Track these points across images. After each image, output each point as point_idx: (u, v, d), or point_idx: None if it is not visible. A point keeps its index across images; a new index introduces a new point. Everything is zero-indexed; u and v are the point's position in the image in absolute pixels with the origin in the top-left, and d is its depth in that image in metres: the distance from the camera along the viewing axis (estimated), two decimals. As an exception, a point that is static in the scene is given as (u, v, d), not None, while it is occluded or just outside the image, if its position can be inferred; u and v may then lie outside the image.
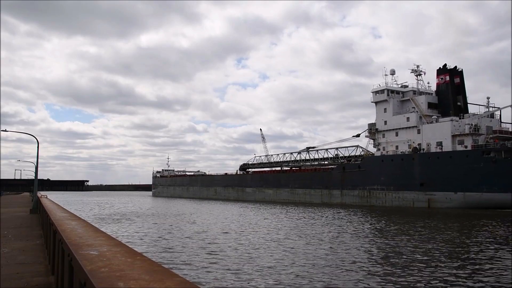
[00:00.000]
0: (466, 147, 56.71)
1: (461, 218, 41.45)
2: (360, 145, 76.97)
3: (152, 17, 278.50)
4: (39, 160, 35.97)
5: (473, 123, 58.09)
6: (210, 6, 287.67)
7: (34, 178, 38.42)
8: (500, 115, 63.21)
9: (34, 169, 45.79)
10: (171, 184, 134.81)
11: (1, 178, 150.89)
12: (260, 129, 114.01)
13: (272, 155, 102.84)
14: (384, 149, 68.91)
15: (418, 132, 63.69)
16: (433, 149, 60.26)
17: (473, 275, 15.89)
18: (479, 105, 64.56)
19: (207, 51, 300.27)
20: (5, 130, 33.18)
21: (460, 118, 60.16)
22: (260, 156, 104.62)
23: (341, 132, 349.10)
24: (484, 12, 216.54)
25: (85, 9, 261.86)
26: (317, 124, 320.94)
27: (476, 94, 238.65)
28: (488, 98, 63.72)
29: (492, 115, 62.67)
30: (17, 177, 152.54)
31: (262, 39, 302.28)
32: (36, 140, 32.87)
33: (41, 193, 52.52)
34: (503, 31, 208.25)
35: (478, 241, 25.08)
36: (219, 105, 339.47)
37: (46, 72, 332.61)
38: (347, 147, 78.40)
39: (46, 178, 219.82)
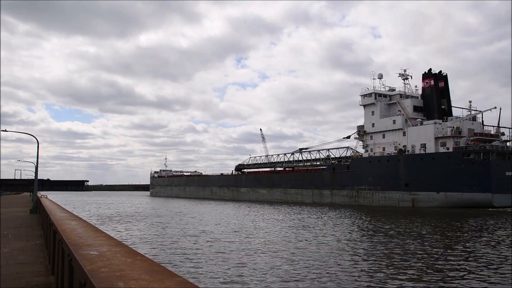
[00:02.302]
0: (448, 149, 57.40)
1: (442, 216, 41.88)
2: (351, 146, 77.38)
3: (151, 17, 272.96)
4: (39, 160, 35.42)
5: (455, 126, 58.86)
6: (209, 6, 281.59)
7: (34, 178, 37.78)
8: (482, 118, 64.21)
9: (34, 169, 45.11)
10: (168, 184, 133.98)
11: (1, 178, 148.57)
12: (260, 129, 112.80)
13: (267, 155, 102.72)
14: (371, 151, 69.42)
15: (404, 134, 64.30)
16: (418, 151, 60.88)
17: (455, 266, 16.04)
18: (463, 108, 65.60)
19: (207, 51, 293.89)
20: (5, 130, 32.49)
21: (443, 121, 60.89)
22: (255, 157, 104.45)
23: (341, 132, 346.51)
24: (484, 12, 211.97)
25: (85, 9, 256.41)
26: (317, 124, 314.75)
27: (476, 94, 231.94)
28: (470, 101, 64.77)
29: (474, 118, 63.56)
30: (17, 177, 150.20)
31: (261, 39, 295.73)
32: (36, 140, 32.30)
33: (41, 193, 51.71)
34: (503, 31, 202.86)
35: (460, 237, 25.37)
36: (218, 105, 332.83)
37: (45, 72, 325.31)
38: (338, 148, 78.80)
39: (46, 178, 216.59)
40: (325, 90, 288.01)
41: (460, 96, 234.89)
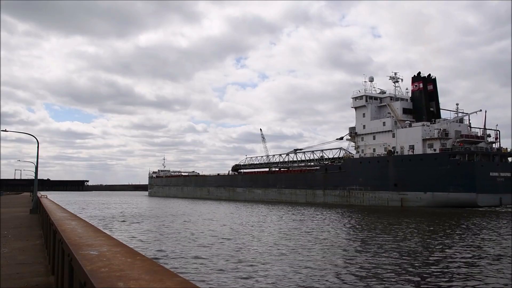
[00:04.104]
0: (435, 150, 57.91)
1: (428, 215, 42.16)
2: (343, 147, 77.63)
3: (151, 17, 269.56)
4: (39, 160, 34.90)
5: (441, 128, 59.43)
6: (209, 5, 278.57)
7: (34, 178, 37.25)
8: (469, 120, 64.98)
9: (34, 169, 44.46)
10: (166, 184, 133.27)
11: (1, 178, 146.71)
12: (260, 129, 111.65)
13: (263, 156, 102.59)
14: (362, 152, 69.80)
15: (393, 136, 64.77)
16: (406, 152, 61.35)
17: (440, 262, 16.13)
18: (451, 110, 66.36)
19: (206, 51, 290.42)
20: (5, 130, 31.90)
21: (431, 123, 61.45)
22: (252, 157, 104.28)
23: (340, 132, 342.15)
24: (484, 12, 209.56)
25: (84, 9, 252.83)
26: (316, 124, 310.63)
27: (477, 94, 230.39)
28: (457, 104, 65.49)
29: (461, 120, 64.24)
30: (17, 177, 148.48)
31: (261, 39, 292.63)
32: (36, 140, 31.81)
33: (41, 193, 51.04)
34: (503, 31, 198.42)
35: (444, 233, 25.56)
36: (218, 105, 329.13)
37: (44, 71, 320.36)
38: (331, 149, 79.08)
39: (46, 178, 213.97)
40: (324, 90, 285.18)
41: (460, 96, 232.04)
